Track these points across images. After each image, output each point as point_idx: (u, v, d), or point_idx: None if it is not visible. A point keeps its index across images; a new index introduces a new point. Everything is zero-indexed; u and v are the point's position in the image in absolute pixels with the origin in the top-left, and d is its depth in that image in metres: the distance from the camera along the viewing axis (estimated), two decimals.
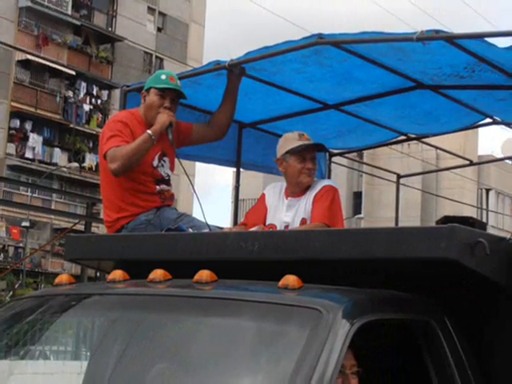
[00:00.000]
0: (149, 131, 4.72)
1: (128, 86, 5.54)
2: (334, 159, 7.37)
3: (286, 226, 4.69)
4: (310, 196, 4.74)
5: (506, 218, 45.03)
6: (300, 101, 5.97)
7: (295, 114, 6.20)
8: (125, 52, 45.32)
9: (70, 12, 43.75)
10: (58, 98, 43.22)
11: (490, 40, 4.44)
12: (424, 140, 7.93)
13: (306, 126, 5.80)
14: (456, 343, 3.39)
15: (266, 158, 6.36)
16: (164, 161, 4.89)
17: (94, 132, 42.41)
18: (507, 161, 43.57)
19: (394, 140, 7.33)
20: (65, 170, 42.41)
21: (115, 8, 46.11)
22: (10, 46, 34.37)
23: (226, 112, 5.17)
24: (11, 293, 33.08)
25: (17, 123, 41.51)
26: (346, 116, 6.30)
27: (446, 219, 3.90)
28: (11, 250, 42.32)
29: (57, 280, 3.81)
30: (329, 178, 6.98)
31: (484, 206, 45.00)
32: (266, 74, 5.39)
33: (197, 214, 5.01)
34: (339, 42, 4.75)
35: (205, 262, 3.56)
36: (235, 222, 6.97)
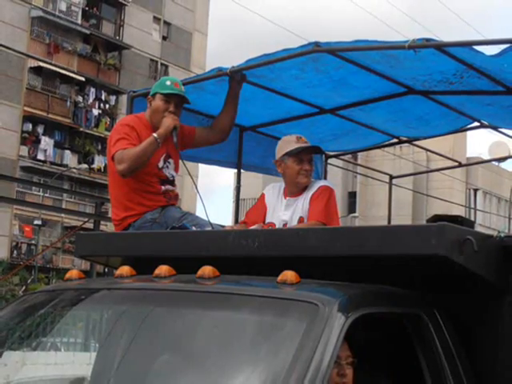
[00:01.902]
0: (154, 134, 4.72)
1: (135, 92, 5.53)
2: (329, 161, 7.37)
3: (285, 225, 4.69)
4: (308, 196, 4.73)
5: (492, 217, 45.01)
6: (298, 105, 5.96)
7: (293, 118, 6.20)
8: (131, 59, 45.30)
9: (79, 21, 43.73)
10: (68, 103, 43.21)
11: (478, 48, 4.44)
12: (415, 143, 7.94)
13: (303, 129, 5.79)
14: (445, 335, 3.38)
15: (265, 160, 6.36)
16: (169, 162, 4.89)
17: (103, 135, 42.41)
18: (494, 162, 43.60)
19: (387, 143, 7.34)
20: (75, 171, 42.38)
21: (122, 18, 46.09)
22: (23, 54, 34.39)
23: (227, 116, 5.17)
24: (24, 287, 33.02)
25: (29, 127, 41.49)
26: (342, 120, 6.30)
27: (436, 218, 3.88)
28: (24, 247, 42.30)
29: (67, 275, 3.80)
30: (325, 178, 6.98)
31: (472, 206, 44.99)
32: (265, 80, 5.39)
33: (200, 212, 5.00)
34: (335, 50, 4.75)
35: (207, 259, 3.55)
36: (236, 221, 6.96)
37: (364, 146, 7.45)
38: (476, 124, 6.60)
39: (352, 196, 45.38)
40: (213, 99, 5.44)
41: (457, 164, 9.67)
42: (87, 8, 44.64)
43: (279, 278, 3.20)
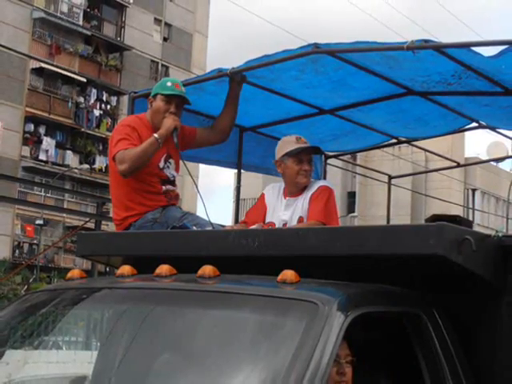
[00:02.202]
0: (155, 135, 4.71)
1: (136, 93, 5.53)
2: (329, 161, 7.37)
3: (285, 224, 4.68)
4: (307, 196, 4.73)
5: (491, 217, 45.01)
6: (297, 106, 5.96)
7: (293, 118, 6.20)
8: (133, 60, 45.30)
9: (81, 23, 43.73)
10: (69, 104, 43.22)
11: (476, 49, 4.44)
12: (414, 143, 7.95)
13: (303, 129, 5.79)
14: (444, 334, 3.38)
15: (265, 160, 6.36)
16: (169, 162, 4.89)
17: (104, 135, 42.42)
18: (492, 162, 43.54)
19: (386, 143, 7.34)
20: (76, 171, 42.40)
21: (124, 19, 46.10)
22: (25, 55, 34.40)
23: (227, 117, 5.17)
24: (26, 287, 33.01)
25: (31, 127, 41.51)
26: (341, 120, 6.30)
27: (435, 218, 3.88)
28: (26, 247, 42.31)
29: (69, 275, 3.80)
30: (324, 178, 6.98)
31: (470, 206, 45.00)
32: (265, 80, 5.39)
33: (200, 212, 5.00)
34: (334, 51, 4.75)
35: (208, 258, 3.55)
36: (236, 220, 6.96)
37: (363, 147, 7.45)
38: (474, 124, 6.60)
39: (351, 196, 45.40)
40: (213, 100, 5.44)
41: (455, 164, 9.68)
42: (88, 9, 44.64)
43: (279, 277, 3.19)
